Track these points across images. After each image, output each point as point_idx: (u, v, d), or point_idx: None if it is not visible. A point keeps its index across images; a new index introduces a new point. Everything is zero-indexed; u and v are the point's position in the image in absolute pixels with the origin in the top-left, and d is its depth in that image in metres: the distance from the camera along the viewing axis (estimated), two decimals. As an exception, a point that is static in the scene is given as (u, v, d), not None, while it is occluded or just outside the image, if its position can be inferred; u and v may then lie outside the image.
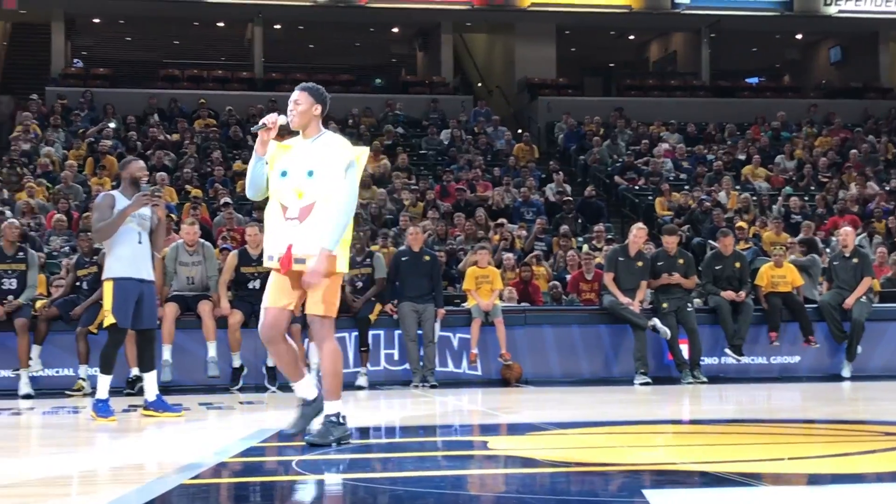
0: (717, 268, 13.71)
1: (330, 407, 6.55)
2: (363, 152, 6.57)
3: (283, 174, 6.47)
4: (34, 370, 11.88)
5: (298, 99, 6.61)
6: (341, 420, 6.56)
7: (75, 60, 28.31)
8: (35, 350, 11.92)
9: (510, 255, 15.37)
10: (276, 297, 6.54)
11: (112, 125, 22.56)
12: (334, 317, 6.56)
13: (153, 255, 9.20)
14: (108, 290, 8.90)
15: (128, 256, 8.89)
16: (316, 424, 6.63)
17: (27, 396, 11.53)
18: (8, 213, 16.52)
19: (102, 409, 8.81)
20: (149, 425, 8.58)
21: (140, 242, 8.97)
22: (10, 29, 30.30)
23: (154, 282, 9.22)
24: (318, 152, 6.48)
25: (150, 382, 9.21)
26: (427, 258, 13.04)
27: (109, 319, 8.86)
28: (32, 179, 18.68)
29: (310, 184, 6.40)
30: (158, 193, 9.16)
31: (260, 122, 6.57)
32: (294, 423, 6.74)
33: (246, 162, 20.60)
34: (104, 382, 8.89)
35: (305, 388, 6.77)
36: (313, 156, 6.47)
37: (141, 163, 9.38)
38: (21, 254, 12.15)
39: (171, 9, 27.64)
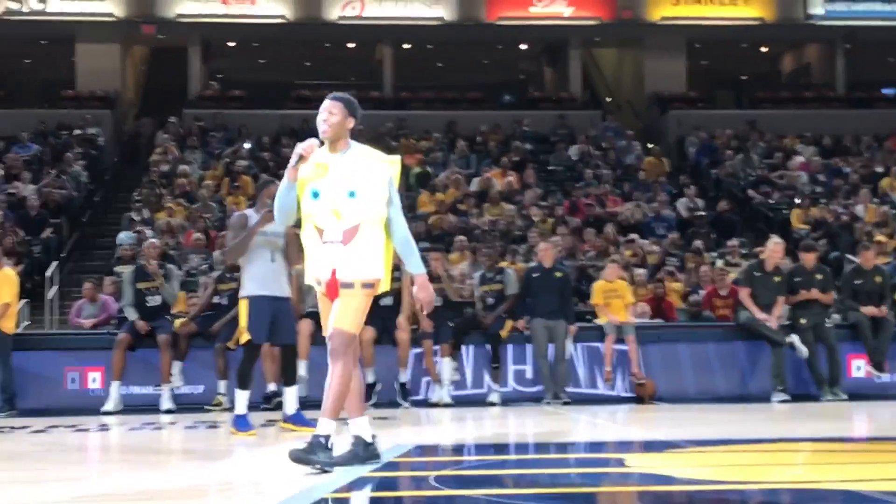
0: (856, 283, 13.38)
1: (322, 426, 6.17)
2: (397, 162, 6.36)
3: (315, 195, 6.22)
4: (175, 385, 12.19)
5: (332, 109, 6.30)
6: (329, 444, 6.14)
7: (211, 83, 28.96)
8: (176, 366, 12.23)
9: (642, 270, 15.23)
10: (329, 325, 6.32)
11: (247, 146, 23.03)
12: (356, 335, 6.25)
13: (289, 272, 9.37)
14: (243, 308, 9.13)
15: (261, 275, 9.10)
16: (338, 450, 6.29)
17: (169, 411, 11.82)
18: (149, 232, 16.99)
19: (242, 423, 8.99)
20: (287, 440, 8.70)
21: (273, 261, 9.16)
22: (149, 53, 31.17)
23: (290, 298, 9.39)
24: (355, 170, 6.23)
25: (291, 397, 9.36)
26: (558, 274, 12.99)
27: (245, 337, 9.09)
28: (171, 199, 19.17)
29: (351, 205, 6.17)
30: None
31: (295, 156, 6.30)
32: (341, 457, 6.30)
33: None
34: (242, 398, 9.08)
35: (364, 426, 6.47)
36: (351, 174, 6.21)
37: (274, 185, 9.61)
38: (162, 272, 12.50)
39: (303, 31, 28.12)
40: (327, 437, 6.12)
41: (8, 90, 28.14)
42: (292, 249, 9.31)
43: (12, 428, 10.17)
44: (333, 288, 6.21)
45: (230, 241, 9.37)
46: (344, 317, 6.17)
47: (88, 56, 27.42)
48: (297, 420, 9.25)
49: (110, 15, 27.19)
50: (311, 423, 9.21)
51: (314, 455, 6.06)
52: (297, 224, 6.52)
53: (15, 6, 26.63)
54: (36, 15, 26.79)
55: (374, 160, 6.29)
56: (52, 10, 26.89)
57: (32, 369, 12.60)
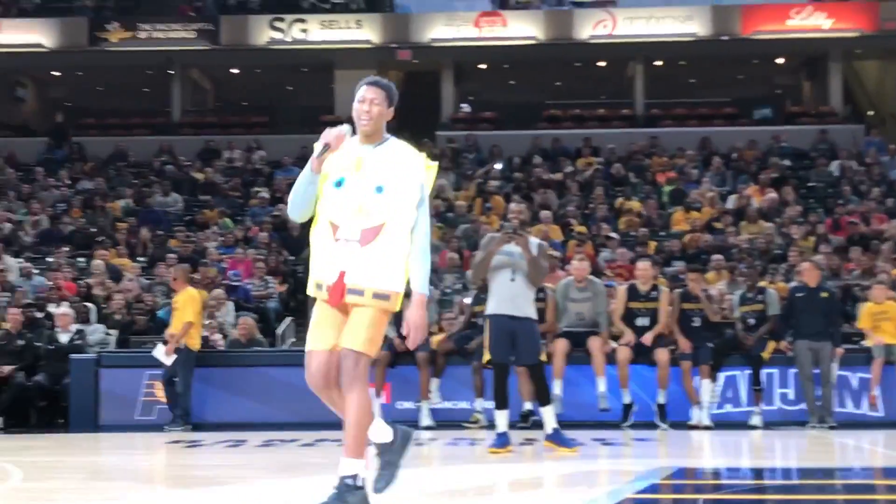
0: None
1: (347, 466, 5.33)
2: (433, 167, 5.49)
3: (339, 184, 5.40)
4: (434, 402, 12.38)
5: (376, 98, 5.44)
6: (358, 483, 5.32)
7: (462, 105, 29.43)
8: (434, 383, 12.43)
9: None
10: (321, 338, 5.41)
11: (498, 166, 23.26)
12: (372, 357, 5.38)
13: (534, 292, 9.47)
14: (486, 327, 9.33)
15: (500, 295, 9.26)
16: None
17: (428, 428, 12.02)
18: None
19: (499, 442, 9.06)
20: (544, 459, 8.70)
21: (513, 280, 9.23)
22: (404, 77, 31.98)
23: (532, 318, 9.38)
24: (387, 164, 5.42)
25: (548, 416, 9.34)
26: (824, 294, 12.54)
27: (486, 355, 9.32)
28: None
29: (377, 201, 5.34)
30: (519, 233, 9.40)
31: (322, 144, 5.40)
32: (379, 477, 5.51)
33: (629, 198, 20.78)
34: (499, 417, 9.19)
35: (374, 431, 5.53)
36: (382, 167, 5.41)
37: (511, 205, 9.83)
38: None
39: (554, 51, 28.21)
40: (355, 477, 5.32)
41: (271, 117, 29.40)
42: (533, 269, 9.31)
43: (282, 441, 10.58)
44: (338, 293, 5.32)
45: (475, 261, 9.63)
46: (355, 334, 5.30)
47: (347, 82, 28.31)
48: (556, 439, 9.21)
49: (367, 42, 28.02)
50: (570, 443, 9.22)
51: (344, 501, 5.26)
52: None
53: (278, 36, 27.79)
54: (297, 44, 27.88)
55: (411, 157, 5.46)
56: (312, 38, 27.91)
57: (298, 384, 13.01)
